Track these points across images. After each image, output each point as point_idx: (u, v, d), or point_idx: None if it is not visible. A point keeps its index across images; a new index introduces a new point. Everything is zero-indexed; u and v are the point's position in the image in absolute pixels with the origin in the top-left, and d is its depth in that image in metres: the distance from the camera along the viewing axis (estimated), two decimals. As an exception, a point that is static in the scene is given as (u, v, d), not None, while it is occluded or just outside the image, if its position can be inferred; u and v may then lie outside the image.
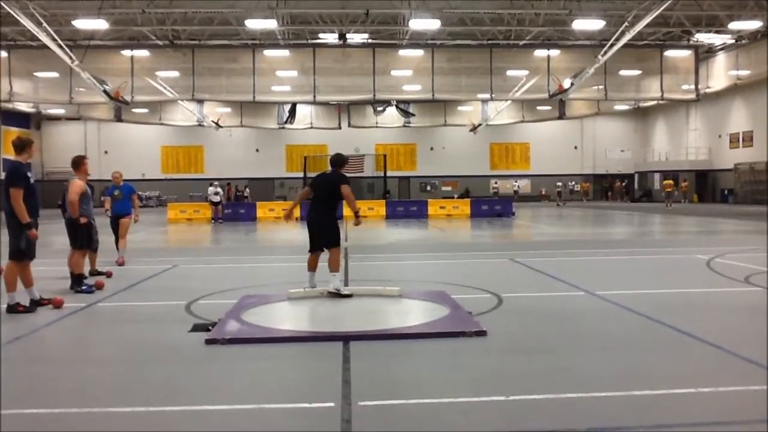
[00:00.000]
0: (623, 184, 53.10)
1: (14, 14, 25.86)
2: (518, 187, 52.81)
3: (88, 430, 4.17)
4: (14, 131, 48.92)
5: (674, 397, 4.64)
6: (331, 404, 4.50)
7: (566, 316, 7.46)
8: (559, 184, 48.36)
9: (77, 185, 9.63)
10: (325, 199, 8.79)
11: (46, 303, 8.07)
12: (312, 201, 8.94)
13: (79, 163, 9.97)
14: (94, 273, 10.97)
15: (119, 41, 34.88)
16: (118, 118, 42.91)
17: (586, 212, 35.34)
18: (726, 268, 11.17)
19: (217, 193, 29.73)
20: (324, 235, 8.78)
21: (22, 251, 7.86)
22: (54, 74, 34.55)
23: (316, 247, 8.87)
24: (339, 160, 9.02)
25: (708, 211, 33.29)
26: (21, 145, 8.12)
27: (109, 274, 10.91)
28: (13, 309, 7.75)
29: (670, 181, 40.33)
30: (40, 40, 28.09)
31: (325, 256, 8.77)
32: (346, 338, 6.30)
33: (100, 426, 4.24)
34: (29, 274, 8.08)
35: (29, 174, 7.92)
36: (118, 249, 13.02)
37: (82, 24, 29.75)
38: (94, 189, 12.66)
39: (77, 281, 9.43)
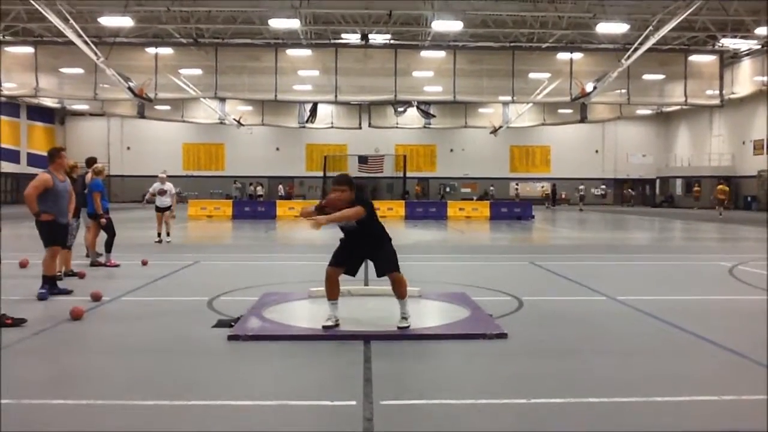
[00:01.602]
0: (630, 191, 52.56)
1: (41, 10, 26.24)
2: (542, 187, 52.57)
3: (113, 422, 4.24)
4: (40, 126, 49.76)
5: (696, 404, 4.63)
6: (353, 402, 4.54)
7: (587, 320, 7.44)
8: (581, 187, 47.62)
9: (41, 179, 8.59)
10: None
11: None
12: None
13: (54, 155, 8.95)
14: (69, 274, 10.39)
15: (144, 39, 35.23)
16: (141, 115, 43.39)
17: (612, 217, 35.11)
18: (749, 276, 11.07)
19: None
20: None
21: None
22: (79, 70, 34.92)
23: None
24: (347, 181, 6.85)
25: (750, 219, 32.92)
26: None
27: (81, 275, 10.36)
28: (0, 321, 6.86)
29: (724, 187, 36.50)
30: (66, 37, 28.45)
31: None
32: (367, 338, 6.34)
33: (125, 418, 4.31)
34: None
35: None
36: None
37: (108, 21, 30.09)
38: (105, 183, 12.77)
39: (44, 283, 8.66)
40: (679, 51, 36.25)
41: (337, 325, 6.70)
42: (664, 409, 4.50)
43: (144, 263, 12.17)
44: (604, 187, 45.33)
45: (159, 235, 16.80)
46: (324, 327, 6.63)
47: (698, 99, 37.29)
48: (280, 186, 50.27)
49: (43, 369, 5.53)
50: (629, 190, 52.75)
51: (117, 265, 11.85)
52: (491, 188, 51.28)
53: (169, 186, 16.96)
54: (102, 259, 11.99)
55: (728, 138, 46.61)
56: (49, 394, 4.73)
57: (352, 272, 7.01)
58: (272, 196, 47.41)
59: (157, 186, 16.85)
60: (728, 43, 35.74)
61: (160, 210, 16.80)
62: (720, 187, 36.44)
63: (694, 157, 50.04)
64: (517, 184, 53.09)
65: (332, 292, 6.81)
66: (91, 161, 12.53)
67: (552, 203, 48.94)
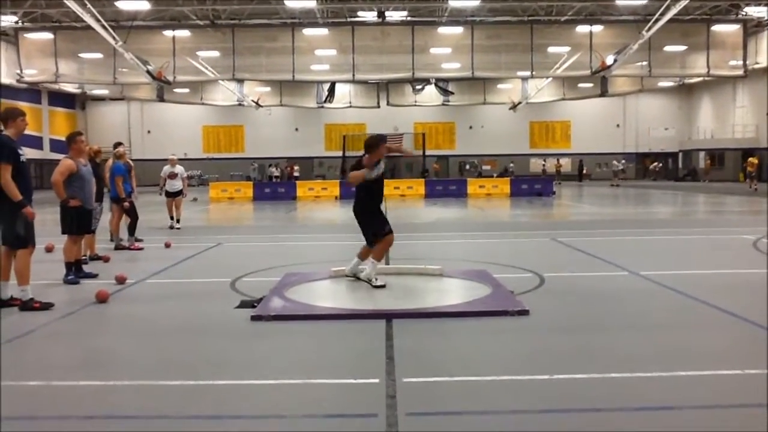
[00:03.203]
0: (657, 164, 51.75)
1: (60, -4, 26.37)
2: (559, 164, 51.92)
3: (139, 402, 4.31)
4: (61, 111, 50.17)
5: (720, 378, 4.61)
6: (376, 380, 4.57)
7: (609, 296, 7.42)
8: (620, 162, 44.33)
9: (65, 165, 8.57)
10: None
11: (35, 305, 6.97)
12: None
13: (71, 140, 8.84)
14: (94, 258, 10.44)
15: (161, 21, 35.31)
16: (161, 98, 43.32)
17: (635, 192, 34.81)
18: (774, 249, 10.95)
19: None
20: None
21: (21, 237, 6.93)
22: (98, 55, 35.15)
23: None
24: (367, 143, 8.29)
25: None
26: (5, 117, 7.17)
27: (106, 259, 10.40)
28: (29, 306, 6.90)
29: (755, 159, 35.34)
30: (84, 22, 28.58)
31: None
32: (389, 316, 6.37)
33: (150, 399, 4.38)
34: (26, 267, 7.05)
35: (20, 151, 6.94)
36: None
37: (125, 5, 30.21)
38: (131, 167, 12.92)
39: (68, 269, 8.66)
40: (701, 21, 35.63)
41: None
42: (687, 384, 4.48)
43: (167, 245, 12.29)
44: (624, 161, 44.39)
45: (172, 218, 15.94)
46: (376, 287, 7.68)
47: (721, 70, 36.71)
48: (272, 168, 48.35)
49: (70, 351, 5.64)
50: (656, 163, 51.82)
51: (141, 249, 12.01)
52: (511, 165, 50.82)
53: (179, 169, 16.08)
54: (126, 243, 12.14)
55: (752, 109, 45.81)
56: (77, 376, 4.81)
57: None
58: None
59: (167, 169, 15.95)
60: (752, 11, 35.05)
61: (171, 195, 15.94)
62: (751, 159, 35.75)
63: (717, 129, 49.31)
64: (544, 160, 52.20)
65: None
66: (116, 146, 12.68)
67: (579, 179, 48.59)
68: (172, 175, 15.89)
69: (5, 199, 6.78)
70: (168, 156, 16.79)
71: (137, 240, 12.41)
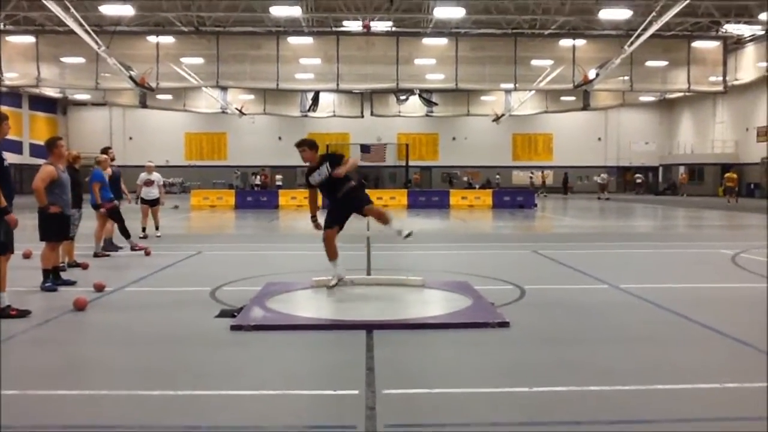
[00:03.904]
0: (639, 177, 52.09)
1: None
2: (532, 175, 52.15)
3: (117, 412, 4.26)
4: (41, 116, 49.72)
5: (698, 392, 4.65)
6: (356, 391, 4.55)
7: (590, 309, 7.46)
8: (604, 176, 44.25)
9: (46, 171, 8.42)
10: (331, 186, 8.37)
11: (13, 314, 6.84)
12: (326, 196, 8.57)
13: (52, 145, 8.67)
14: (72, 264, 10.36)
15: (145, 27, 35.15)
16: (143, 104, 43.19)
17: (616, 205, 35.07)
18: (751, 264, 11.07)
19: None
20: (358, 199, 8.30)
21: (2, 243, 6.82)
22: (80, 60, 34.88)
23: (338, 221, 8.35)
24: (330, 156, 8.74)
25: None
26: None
27: (84, 266, 10.32)
28: (5, 313, 6.75)
29: (733, 174, 36.41)
30: (67, 26, 28.37)
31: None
32: (370, 327, 6.35)
33: (129, 408, 4.33)
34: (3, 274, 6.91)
35: (2, 155, 6.87)
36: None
37: (109, 10, 30.05)
38: (120, 174, 12.90)
39: (46, 276, 8.56)
40: (683, 37, 36.09)
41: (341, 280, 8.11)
42: (666, 398, 4.51)
43: (147, 253, 12.20)
44: (605, 176, 44.65)
45: (144, 230, 15.08)
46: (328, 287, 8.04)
47: (701, 86, 37.19)
48: (253, 177, 48.36)
49: (47, 360, 5.55)
50: (638, 176, 51.98)
51: (144, 248, 12.23)
52: (497, 177, 51.10)
53: (156, 176, 15.42)
54: (127, 248, 12.41)
55: (731, 125, 46.42)
56: (54, 385, 4.75)
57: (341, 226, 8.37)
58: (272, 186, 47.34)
59: (143, 176, 15.29)
60: (732, 28, 35.55)
61: (147, 202, 15.25)
62: (729, 174, 36.11)
63: (697, 144, 49.87)
64: (531, 173, 52.26)
65: (334, 253, 8.22)
66: (104, 151, 12.67)
67: (564, 191, 49.14)
68: (149, 183, 15.28)
69: None
70: (145, 163, 16.21)
71: (118, 248, 12.39)
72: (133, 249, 12.46)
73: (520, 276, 9.49)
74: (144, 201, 15.31)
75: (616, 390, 4.64)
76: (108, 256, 11.89)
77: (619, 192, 52.93)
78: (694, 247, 14.13)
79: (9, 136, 7.23)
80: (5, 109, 37.39)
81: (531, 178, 51.49)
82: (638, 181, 51.57)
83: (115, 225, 12.43)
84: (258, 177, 48.27)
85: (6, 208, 6.74)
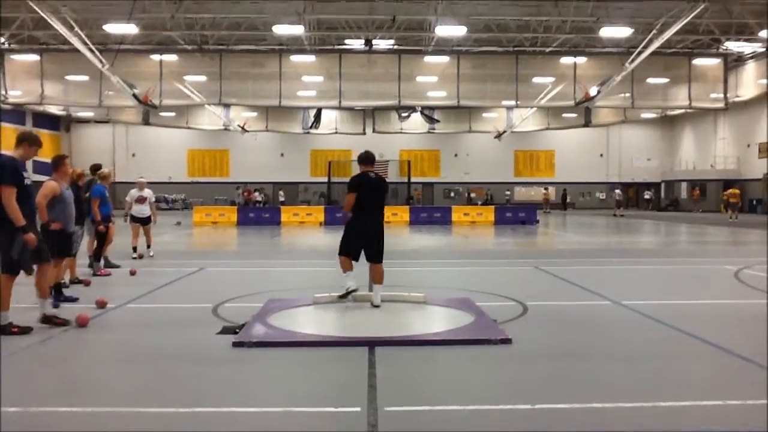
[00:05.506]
0: (649, 192, 52.17)
1: (47, 18, 26.39)
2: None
3: (118, 430, 4.26)
4: (45, 133, 49.86)
5: (701, 409, 4.63)
6: (358, 409, 4.55)
7: (592, 326, 7.44)
8: (618, 191, 43.70)
9: (49, 187, 8.43)
10: (380, 204, 8.55)
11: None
12: (366, 207, 8.40)
13: (58, 162, 8.78)
14: (75, 281, 10.34)
15: (148, 45, 35.37)
16: (146, 122, 43.47)
17: (615, 222, 35.04)
18: (754, 280, 11.05)
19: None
20: (379, 246, 8.51)
21: (14, 262, 6.84)
22: (84, 78, 35.10)
23: (357, 256, 8.49)
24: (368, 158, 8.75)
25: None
26: (20, 138, 7.36)
27: (87, 283, 10.34)
28: (7, 330, 6.77)
29: (736, 191, 35.91)
30: (71, 44, 28.56)
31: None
32: (372, 344, 6.35)
33: (130, 425, 4.33)
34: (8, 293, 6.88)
35: (25, 174, 7.04)
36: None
37: (113, 28, 30.20)
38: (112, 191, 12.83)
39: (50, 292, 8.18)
40: (683, 54, 36.26)
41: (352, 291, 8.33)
42: (668, 414, 4.50)
43: (132, 273, 11.75)
44: (619, 191, 44.21)
45: (135, 249, 14.24)
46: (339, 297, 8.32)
47: (702, 102, 37.30)
48: (255, 193, 48.41)
49: (49, 377, 5.55)
50: (648, 191, 51.97)
51: (108, 274, 11.67)
52: (507, 193, 51.23)
53: (148, 193, 14.51)
54: (93, 269, 11.72)
55: (733, 141, 46.49)
56: (56, 402, 4.75)
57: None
58: (275, 202, 47.43)
59: (134, 193, 14.44)
60: (732, 46, 35.71)
61: (137, 220, 14.40)
62: (731, 190, 36.06)
63: (699, 160, 49.91)
64: (545, 188, 51.36)
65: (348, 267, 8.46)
66: (94, 168, 12.58)
67: (563, 208, 49.09)
68: (141, 200, 14.44)
69: (3, 221, 6.69)
70: (137, 179, 15.35)
71: (109, 266, 12.22)
72: (95, 274, 11.58)
73: (523, 292, 9.48)
74: (135, 219, 14.47)
75: (618, 407, 4.63)
76: (109, 275, 11.80)
77: (624, 208, 52.76)
78: (697, 263, 14.11)
79: (12, 153, 7.30)
80: (8, 126, 37.62)
81: (545, 193, 50.14)
82: (647, 197, 51.66)
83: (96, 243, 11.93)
84: (261, 194, 48.37)
85: (25, 226, 6.78)
